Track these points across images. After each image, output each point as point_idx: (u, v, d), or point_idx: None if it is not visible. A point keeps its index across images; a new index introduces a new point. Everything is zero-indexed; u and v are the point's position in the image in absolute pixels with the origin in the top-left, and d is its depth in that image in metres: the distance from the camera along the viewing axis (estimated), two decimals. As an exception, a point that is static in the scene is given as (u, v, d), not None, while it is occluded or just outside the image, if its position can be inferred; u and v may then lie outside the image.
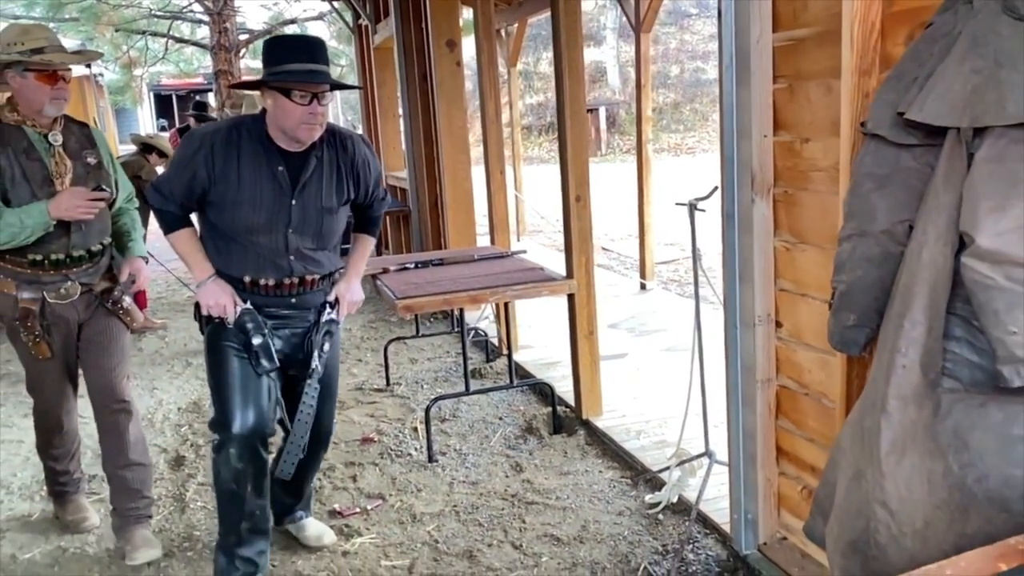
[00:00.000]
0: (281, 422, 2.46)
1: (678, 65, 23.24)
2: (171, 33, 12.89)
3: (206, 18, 11.61)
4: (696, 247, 2.64)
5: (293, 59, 2.17)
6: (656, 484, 2.94)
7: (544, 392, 3.96)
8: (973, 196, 1.40)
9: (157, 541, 2.77)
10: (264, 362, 2.31)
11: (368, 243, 2.66)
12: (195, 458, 3.58)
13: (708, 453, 2.70)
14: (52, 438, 2.84)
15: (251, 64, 14.32)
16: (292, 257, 2.34)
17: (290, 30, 12.41)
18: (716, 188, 2.41)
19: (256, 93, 4.67)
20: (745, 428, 2.41)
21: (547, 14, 4.43)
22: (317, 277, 2.40)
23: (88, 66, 9.36)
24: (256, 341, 2.30)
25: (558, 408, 3.68)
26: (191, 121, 8.45)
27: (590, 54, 25.75)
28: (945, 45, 1.51)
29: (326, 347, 2.45)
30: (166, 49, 13.48)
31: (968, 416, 1.52)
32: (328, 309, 2.46)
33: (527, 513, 2.89)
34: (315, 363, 2.39)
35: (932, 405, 1.53)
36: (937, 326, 1.49)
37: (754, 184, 2.27)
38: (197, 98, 9.40)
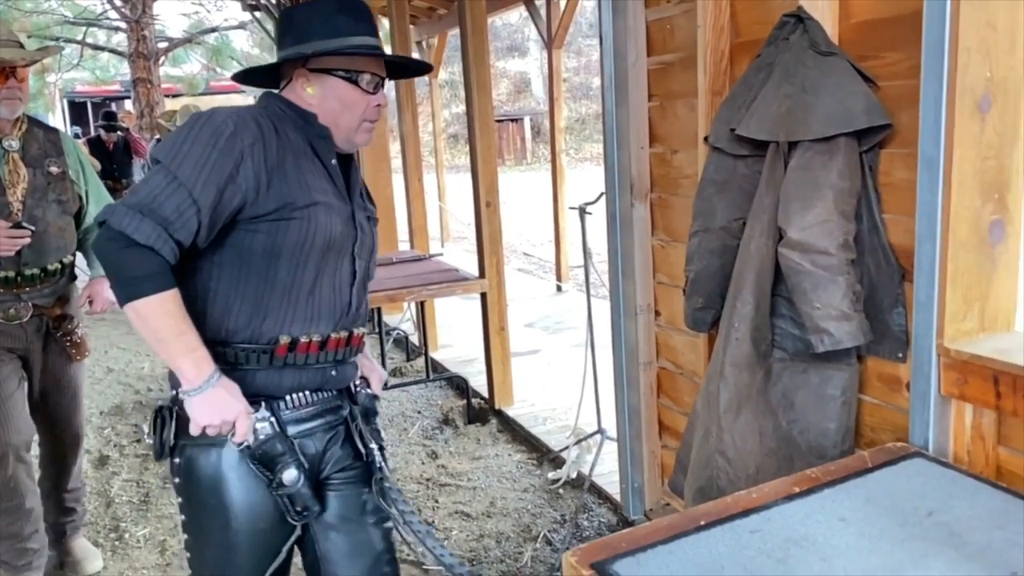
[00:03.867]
0: None
1: (600, 77, 23.85)
2: (86, 40, 12.63)
3: (123, 25, 11.45)
4: (587, 246, 2.94)
5: (353, 30, 1.48)
6: (559, 463, 3.22)
7: (460, 386, 4.20)
8: (786, 197, 1.71)
9: (96, 551, 2.78)
10: (302, 507, 1.48)
11: None
12: (119, 457, 3.69)
13: (600, 431, 3.00)
14: None
15: (171, 72, 14.14)
16: (354, 295, 1.57)
17: (211, 38, 12.35)
18: (602, 194, 2.70)
19: (191, 104, 4.72)
20: (631, 406, 2.70)
21: (460, 31, 4.69)
22: (363, 332, 1.63)
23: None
24: (289, 477, 1.45)
25: (473, 400, 3.94)
26: (101, 132, 8.34)
27: (515, 65, 26.20)
28: (768, 73, 1.82)
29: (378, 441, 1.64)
30: (80, 55, 13.20)
31: (793, 380, 1.84)
32: (360, 385, 1.67)
33: (440, 494, 3.12)
34: (378, 459, 1.60)
35: (763, 372, 1.85)
36: (764, 305, 1.80)
37: (633, 190, 2.57)
38: (106, 109, 9.24)
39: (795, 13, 1.77)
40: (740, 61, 2.14)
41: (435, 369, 4.41)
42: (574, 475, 3.03)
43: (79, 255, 2.56)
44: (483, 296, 3.90)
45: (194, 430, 1.39)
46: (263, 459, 1.45)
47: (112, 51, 13.12)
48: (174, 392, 1.46)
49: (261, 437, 1.43)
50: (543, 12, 6.30)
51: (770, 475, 1.79)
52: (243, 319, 1.45)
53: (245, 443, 1.42)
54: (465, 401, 3.97)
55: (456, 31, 8.32)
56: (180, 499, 1.53)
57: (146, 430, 1.62)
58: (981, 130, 1.47)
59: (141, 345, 5.69)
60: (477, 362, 4.54)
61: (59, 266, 2.42)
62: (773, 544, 1.23)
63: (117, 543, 2.90)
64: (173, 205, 1.33)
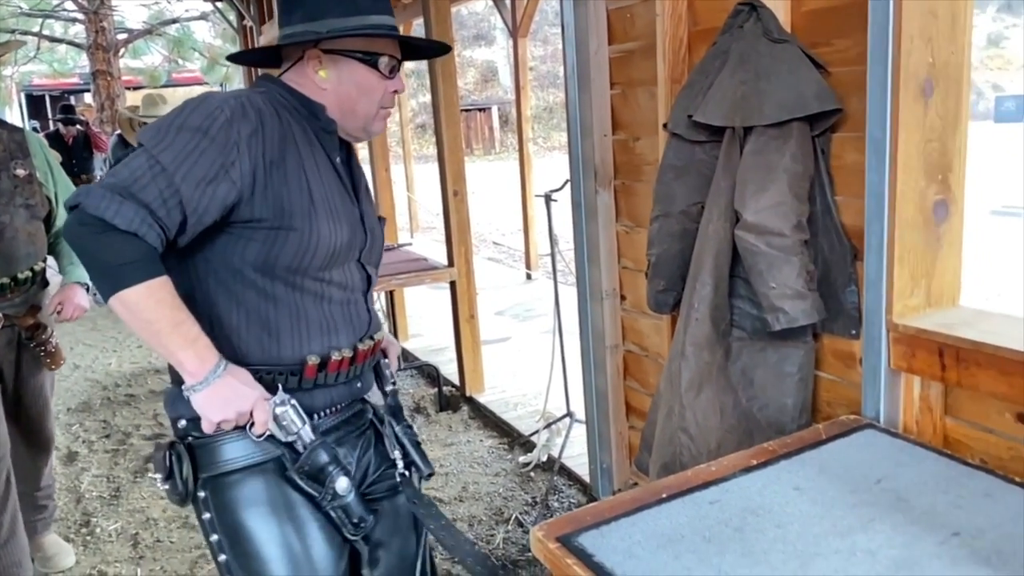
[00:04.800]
0: None
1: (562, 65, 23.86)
2: (43, 32, 12.36)
3: (80, 16, 11.22)
4: (553, 233, 2.98)
5: (372, 7, 1.35)
6: (529, 447, 3.27)
7: (431, 374, 4.23)
8: (742, 181, 1.76)
9: (69, 546, 2.77)
10: (358, 518, 1.34)
11: None
12: (88, 453, 3.67)
13: (569, 414, 3.05)
14: None
15: (131, 63, 13.90)
16: (369, 303, 1.46)
17: (172, 29, 12.16)
18: (567, 182, 2.74)
19: (155, 93, 4.60)
20: (598, 389, 2.75)
21: (425, 20, 4.68)
22: (382, 335, 1.51)
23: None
24: (342, 486, 1.32)
25: (444, 388, 3.97)
26: (59, 126, 8.18)
27: (482, 54, 26.12)
28: (723, 60, 1.87)
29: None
30: (38, 48, 12.91)
31: (752, 358, 1.90)
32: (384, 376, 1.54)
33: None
34: (400, 467, 1.48)
35: (723, 351, 1.90)
36: (722, 286, 1.85)
37: (597, 177, 2.61)
38: (64, 102, 9.06)
39: (749, 1, 1.82)
40: (698, 49, 2.18)
41: (405, 358, 4.43)
42: (544, 458, 3.08)
43: (50, 260, 2.48)
44: (452, 285, 3.93)
45: (207, 428, 1.25)
46: (311, 473, 1.30)
47: (70, 43, 12.85)
48: (181, 421, 1.32)
49: (285, 423, 1.27)
50: (508, 1, 6.31)
51: (731, 450, 1.84)
52: (252, 341, 1.31)
53: (267, 433, 1.27)
54: (436, 389, 4.00)
55: (420, 20, 8.31)
56: (216, 536, 1.34)
57: (157, 476, 1.33)
58: (925, 114, 1.53)
59: (108, 341, 5.63)
60: (448, 350, 4.57)
61: (30, 274, 2.32)
62: (731, 513, 1.28)
63: (88, 538, 2.89)
64: (155, 191, 1.17)
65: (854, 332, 1.73)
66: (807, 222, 1.74)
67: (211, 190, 1.21)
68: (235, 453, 1.32)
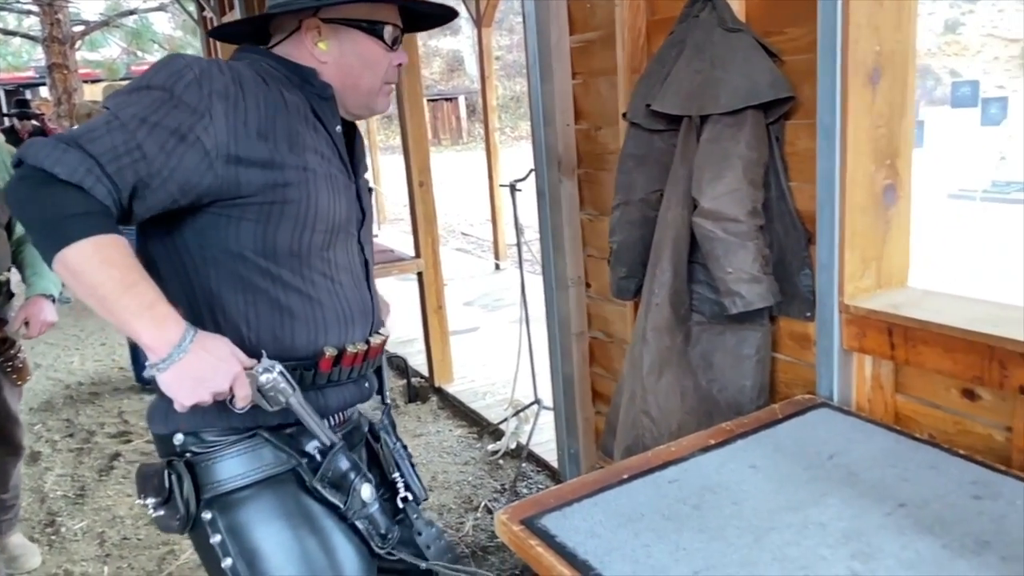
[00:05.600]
0: None
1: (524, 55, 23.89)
2: (-5, 24, 12.06)
3: (35, 8, 10.96)
4: (519, 223, 3.00)
5: None
6: (498, 435, 3.30)
7: (400, 366, 4.24)
8: (699, 169, 1.80)
9: (34, 546, 2.75)
10: (385, 529, 1.27)
11: None
12: (51, 452, 3.62)
13: (537, 401, 3.09)
14: None
15: (88, 56, 13.61)
16: (372, 288, 1.36)
17: (130, 21, 11.93)
18: (531, 171, 2.76)
19: (116, 84, 4.53)
20: (565, 376, 2.79)
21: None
22: (388, 334, 1.41)
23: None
24: (367, 493, 1.24)
25: (413, 379, 3.99)
26: (14, 122, 8.00)
27: (447, 43, 25.99)
28: (680, 50, 1.90)
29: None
30: (-10, 40, 12.60)
31: (711, 341, 1.95)
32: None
33: (383, 472, 3.17)
34: (412, 480, 1.41)
35: (683, 335, 1.94)
36: (681, 271, 1.89)
37: (561, 166, 2.64)
38: (19, 96, 8.85)
39: (704, -9, 1.85)
40: (657, 38, 2.20)
41: (375, 350, 4.43)
42: (513, 446, 3.11)
43: (14, 271, 2.42)
44: (419, 276, 3.93)
45: (180, 409, 1.08)
46: (333, 481, 1.20)
47: (24, 36, 12.56)
48: (178, 436, 1.18)
49: (271, 393, 1.12)
50: (471, -10, 6.31)
51: (691, 431, 1.86)
52: (264, 329, 1.17)
53: (246, 406, 1.11)
54: (405, 381, 4.01)
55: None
56: (231, 560, 1.19)
57: (149, 501, 1.20)
58: (873, 100, 1.57)
59: (69, 339, 5.55)
60: (416, 342, 4.58)
61: None
62: (689, 491, 1.32)
63: (54, 537, 2.86)
64: (107, 144, 1.03)
65: (809, 314, 1.78)
66: (762, 208, 1.78)
67: (179, 152, 1.06)
68: (244, 467, 1.19)
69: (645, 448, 1.94)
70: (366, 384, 1.34)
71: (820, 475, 1.33)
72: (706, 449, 1.46)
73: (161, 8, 12.40)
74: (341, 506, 1.22)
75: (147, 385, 4.55)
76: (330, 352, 1.22)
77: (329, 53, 1.24)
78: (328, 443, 1.20)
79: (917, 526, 1.17)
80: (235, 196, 1.13)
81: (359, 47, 1.26)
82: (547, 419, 3.06)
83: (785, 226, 1.79)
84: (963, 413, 1.50)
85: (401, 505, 1.37)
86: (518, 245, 3.08)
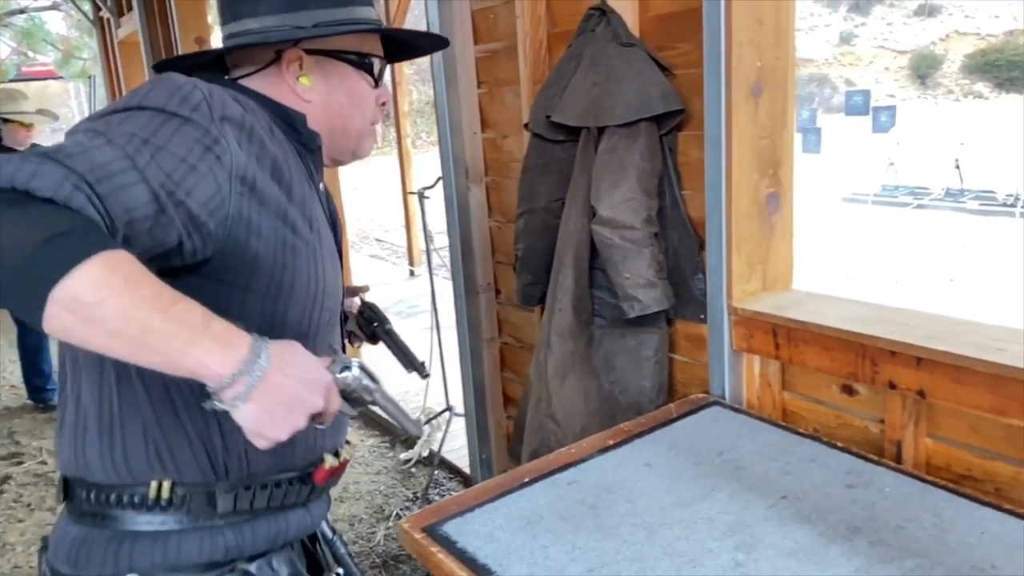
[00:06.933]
0: None
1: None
2: None
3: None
4: (428, 230, 3.01)
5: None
6: (411, 443, 3.29)
7: (312, 376, 4.18)
8: (597, 178, 1.86)
9: None
10: None
11: None
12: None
13: (449, 408, 3.10)
14: None
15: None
16: None
17: (20, 20, 11.32)
18: (440, 178, 2.78)
19: (17, 89, 4.22)
20: (476, 382, 2.81)
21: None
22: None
23: None
24: None
25: (325, 389, 3.93)
26: None
27: (360, 48, 25.72)
28: (577, 63, 1.96)
29: None
30: None
31: (612, 345, 2.00)
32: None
33: (294, 484, 3.12)
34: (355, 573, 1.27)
35: (586, 339, 2.00)
36: (583, 278, 1.94)
37: (469, 174, 2.66)
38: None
39: (599, 6, 1.91)
40: (557, 50, 2.26)
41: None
42: (426, 453, 3.12)
43: None
44: (330, 284, 3.89)
45: (266, 447, 0.82)
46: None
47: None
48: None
49: (357, 393, 0.93)
50: (381, -4, 6.28)
51: (595, 433, 1.94)
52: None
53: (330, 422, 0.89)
54: (317, 390, 3.96)
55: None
56: None
57: None
58: (755, 113, 1.66)
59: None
60: (329, 351, 4.52)
61: None
62: (587, 492, 1.36)
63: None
64: (96, 159, 0.76)
65: (702, 316, 1.86)
66: (657, 215, 1.85)
67: (190, 181, 0.82)
68: None
69: (550, 451, 1.97)
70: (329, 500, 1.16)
71: (710, 471, 1.40)
72: (605, 450, 1.51)
73: (54, 7, 11.82)
74: None
75: (42, 403, 4.33)
76: (330, 462, 1.03)
77: (314, 90, 1.06)
78: (418, 433, 1.10)
79: (796, 516, 1.24)
80: (242, 252, 0.89)
81: (347, 83, 1.09)
82: (459, 425, 3.08)
83: (679, 233, 1.87)
84: (843, 408, 1.60)
85: None
86: (427, 253, 3.09)
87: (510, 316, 2.74)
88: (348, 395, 0.93)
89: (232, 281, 0.90)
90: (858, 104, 13.46)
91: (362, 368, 0.94)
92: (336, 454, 1.06)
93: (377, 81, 1.13)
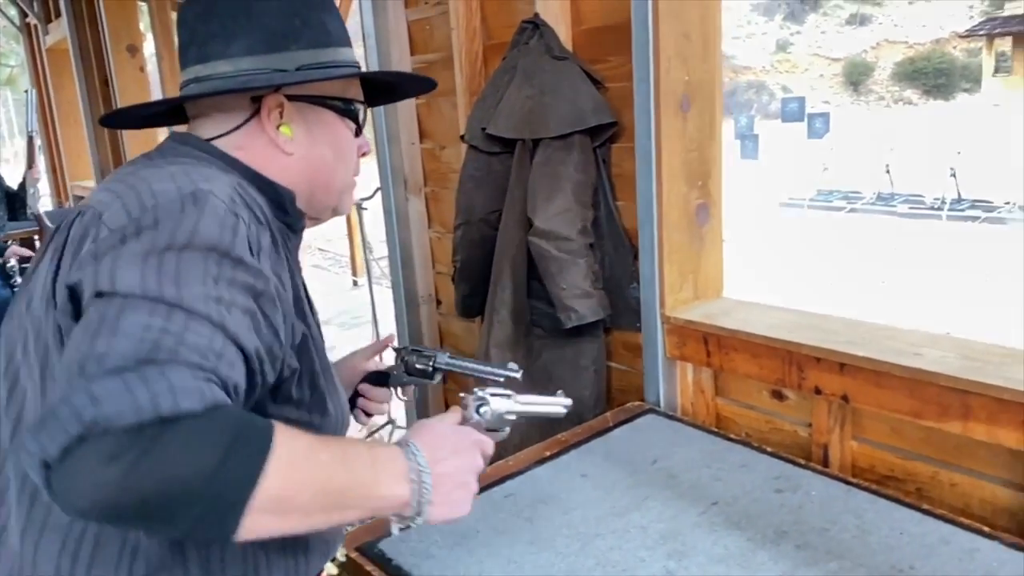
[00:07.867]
0: None
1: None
2: None
3: None
4: (366, 240, 2.99)
5: (342, 37, 0.98)
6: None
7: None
8: (533, 190, 1.87)
9: None
10: None
11: None
12: None
13: (391, 421, 3.08)
14: None
15: None
16: None
17: (-60, 24, 10.85)
18: (378, 189, 2.76)
19: None
20: (419, 394, 2.79)
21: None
22: None
23: None
24: None
25: (266, 403, 3.86)
26: None
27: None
28: (511, 75, 1.97)
29: None
30: None
31: (551, 355, 2.02)
32: None
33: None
34: None
35: (525, 349, 2.01)
36: (521, 288, 1.96)
37: (407, 185, 2.65)
38: None
39: (532, 20, 1.93)
40: (493, 62, 2.27)
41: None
42: (369, 466, 3.09)
43: None
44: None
45: (455, 521, 0.88)
46: None
47: None
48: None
49: (497, 426, 1.00)
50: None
51: (535, 443, 1.95)
52: (275, 557, 0.88)
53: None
54: (258, 405, 3.89)
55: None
56: None
57: None
58: (684, 126, 1.70)
59: None
60: (270, 364, 4.44)
61: None
62: (523, 505, 1.37)
63: None
64: (197, 344, 0.68)
65: (638, 325, 1.88)
66: (592, 226, 1.87)
67: (269, 321, 0.78)
68: None
69: (490, 464, 1.98)
70: None
71: (644, 480, 1.42)
72: (542, 461, 1.52)
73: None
74: None
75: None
76: (328, 571, 0.97)
77: (296, 142, 0.94)
78: (569, 407, 1.15)
79: (727, 522, 1.27)
80: (277, 391, 0.85)
81: (330, 132, 0.97)
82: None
83: (615, 243, 1.89)
84: (773, 412, 1.64)
85: None
86: (367, 263, 3.07)
87: (452, 327, 2.74)
88: (492, 426, 0.99)
89: (275, 403, 0.85)
90: (794, 111, 13.85)
91: (493, 395, 0.99)
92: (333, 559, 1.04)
93: (360, 129, 1.02)
